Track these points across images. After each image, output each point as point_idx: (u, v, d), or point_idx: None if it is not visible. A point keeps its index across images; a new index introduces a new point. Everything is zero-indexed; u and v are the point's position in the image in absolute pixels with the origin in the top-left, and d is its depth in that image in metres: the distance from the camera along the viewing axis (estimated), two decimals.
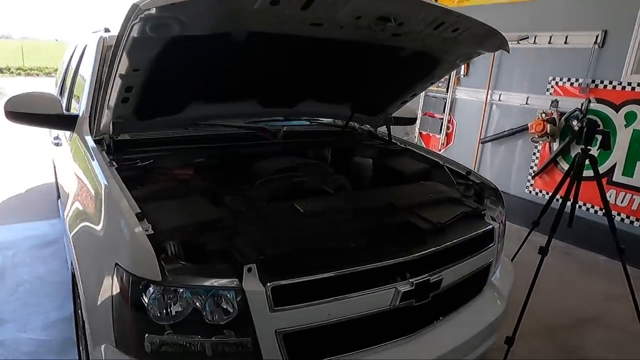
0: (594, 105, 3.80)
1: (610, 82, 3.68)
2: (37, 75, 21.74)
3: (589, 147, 2.44)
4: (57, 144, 2.73)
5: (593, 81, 3.79)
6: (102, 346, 1.28)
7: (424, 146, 5.42)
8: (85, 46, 2.85)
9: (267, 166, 1.96)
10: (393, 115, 2.64)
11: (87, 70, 2.42)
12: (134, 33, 1.29)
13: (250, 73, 1.88)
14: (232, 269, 1.24)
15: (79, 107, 2.26)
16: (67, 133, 2.28)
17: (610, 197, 3.63)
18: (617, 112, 3.65)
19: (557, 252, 3.63)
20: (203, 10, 1.30)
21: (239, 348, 1.25)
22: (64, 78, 3.68)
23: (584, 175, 2.49)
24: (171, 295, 1.21)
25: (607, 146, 2.39)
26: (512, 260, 2.76)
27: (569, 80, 3.98)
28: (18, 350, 2.23)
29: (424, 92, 5.30)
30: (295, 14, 1.45)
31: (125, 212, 1.29)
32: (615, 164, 3.66)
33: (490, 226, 1.80)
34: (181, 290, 1.20)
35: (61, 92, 3.62)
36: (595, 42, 3.70)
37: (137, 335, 1.21)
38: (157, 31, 1.28)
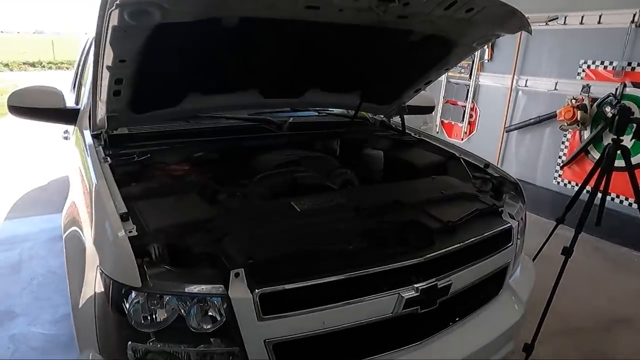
0: (629, 90, 3.52)
1: None
2: (67, 68, 22.30)
3: (621, 138, 2.23)
4: (65, 138, 2.72)
5: (629, 64, 3.51)
6: (90, 354, 1.23)
7: (446, 135, 5.25)
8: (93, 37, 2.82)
9: (268, 160, 1.86)
10: (408, 104, 2.49)
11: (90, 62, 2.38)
12: (113, 21, 1.20)
13: (248, 62, 1.77)
14: (218, 274, 1.16)
15: (81, 100, 2.23)
16: (72, 127, 2.25)
17: None
18: None
19: (586, 247, 3.42)
20: None
21: (228, 357, 1.17)
22: (76, 71, 3.68)
23: (616, 165, 2.29)
24: (155, 302, 1.14)
25: None
26: (534, 259, 2.58)
27: (602, 63, 3.71)
28: (27, 345, 2.24)
29: (445, 79, 5.10)
30: None
31: (110, 213, 1.23)
32: None
33: (508, 225, 1.66)
34: (165, 296, 1.13)
35: (75, 86, 3.63)
36: (632, 21, 3.42)
37: (119, 342, 1.15)
38: (136, 18, 1.20)
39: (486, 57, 4.67)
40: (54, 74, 19.20)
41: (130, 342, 1.14)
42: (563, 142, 4.09)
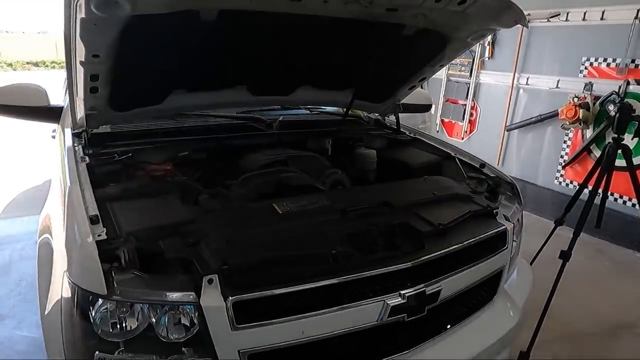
0: (633, 88, 3.43)
1: None
2: None
3: (621, 137, 2.15)
4: (53, 137, 2.67)
5: (633, 61, 3.43)
6: None
7: (446, 134, 5.17)
8: None
9: (255, 160, 1.80)
10: (403, 102, 2.42)
11: None
12: (81, 14, 1.14)
13: (234, 58, 1.71)
14: (190, 281, 1.09)
15: (64, 98, 2.17)
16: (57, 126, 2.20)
17: None
18: None
19: (588, 249, 3.34)
20: None
21: None
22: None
23: (617, 165, 2.21)
24: (124, 310, 1.08)
25: None
26: (531, 262, 2.50)
27: (605, 60, 3.62)
28: (12, 349, 2.19)
29: (445, 77, 5.02)
30: None
31: (80, 216, 1.16)
32: None
33: (503, 227, 1.58)
34: (135, 304, 1.07)
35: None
36: (636, 17, 3.33)
37: (86, 352, 1.09)
38: (104, 10, 1.13)
39: (487, 54, 4.58)
40: (56, 73, 19.25)
41: (97, 352, 1.08)
42: (565, 142, 4.00)
